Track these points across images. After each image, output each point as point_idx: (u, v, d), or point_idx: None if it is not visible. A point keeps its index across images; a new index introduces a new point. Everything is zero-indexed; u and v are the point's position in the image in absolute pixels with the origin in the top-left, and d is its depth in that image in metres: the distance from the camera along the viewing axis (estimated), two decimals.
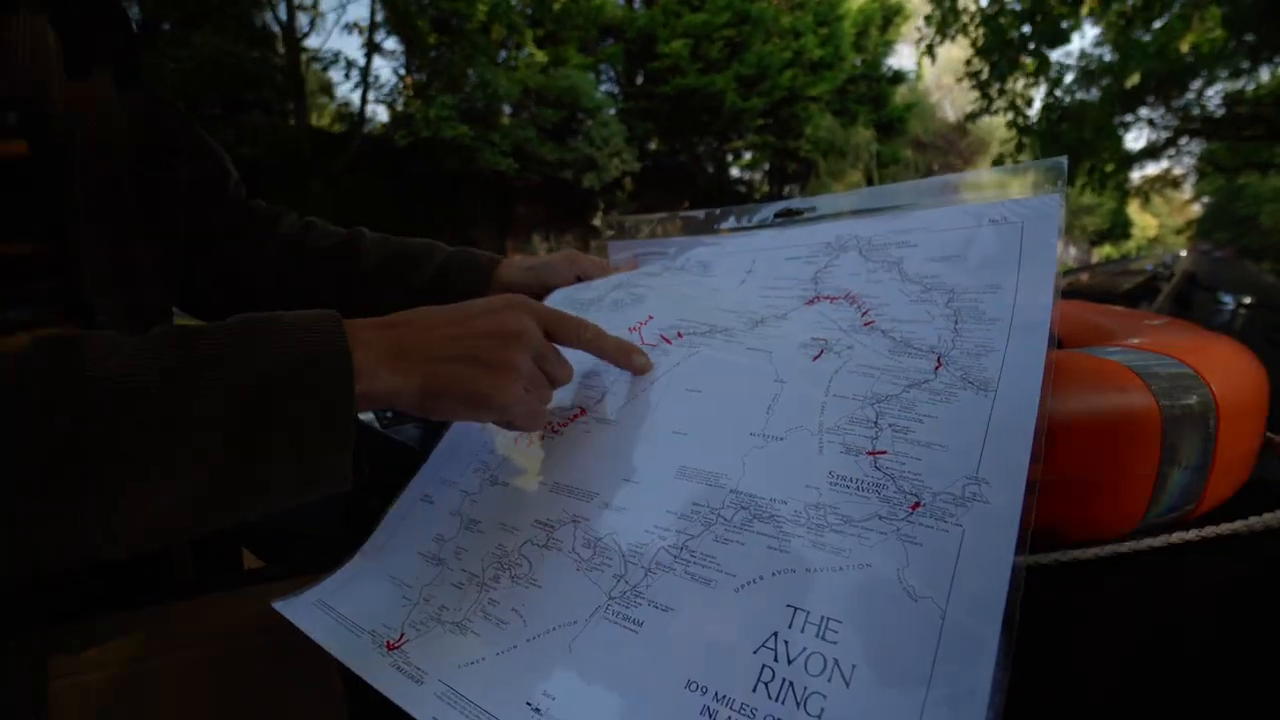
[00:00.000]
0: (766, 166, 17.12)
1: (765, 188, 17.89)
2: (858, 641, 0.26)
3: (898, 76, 17.81)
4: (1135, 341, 0.42)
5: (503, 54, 12.75)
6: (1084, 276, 3.91)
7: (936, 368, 0.33)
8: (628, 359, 0.41)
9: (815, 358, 0.37)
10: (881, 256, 0.41)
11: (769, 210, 0.49)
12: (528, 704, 0.29)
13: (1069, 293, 2.77)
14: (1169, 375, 0.35)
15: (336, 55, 12.18)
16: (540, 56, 12.81)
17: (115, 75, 0.43)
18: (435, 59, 12.03)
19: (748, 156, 16.02)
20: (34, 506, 0.25)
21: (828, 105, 15.45)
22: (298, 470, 0.30)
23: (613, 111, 14.41)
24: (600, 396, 0.43)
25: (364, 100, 12.86)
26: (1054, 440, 0.30)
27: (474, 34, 11.43)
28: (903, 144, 18.17)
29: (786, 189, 17.65)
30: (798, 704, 0.25)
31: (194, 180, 0.52)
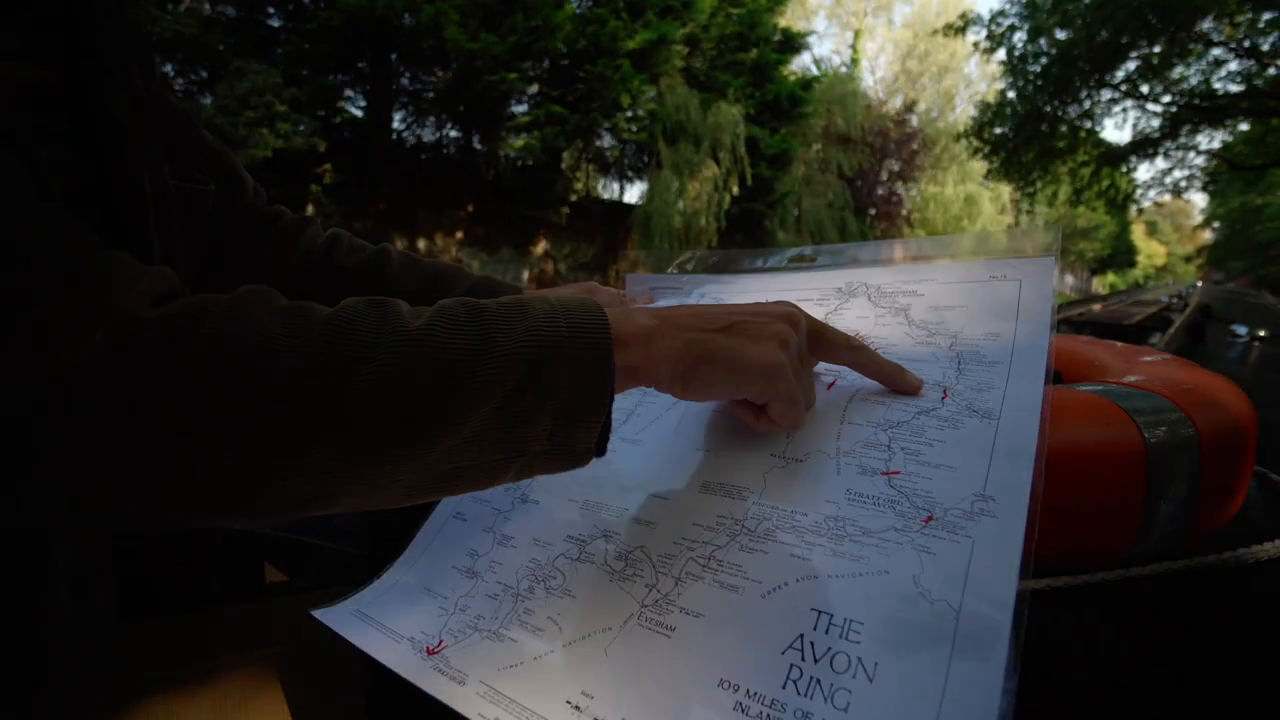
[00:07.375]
0: (619, 155, 11.47)
1: (584, 183, 11.79)
2: (879, 641, 0.28)
3: (790, 40, 12.04)
4: (1129, 379, 0.44)
5: None
6: (1097, 307, 3.89)
7: (943, 398, 0.36)
8: (902, 380, 0.37)
9: (829, 386, 0.40)
10: (889, 303, 0.44)
11: (784, 255, 0.52)
12: (567, 702, 0.31)
13: (1080, 324, 2.76)
14: (1155, 411, 0.37)
15: None
16: None
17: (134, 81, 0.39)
18: None
19: (524, 138, 10.32)
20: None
21: (686, 73, 10.67)
22: (549, 438, 0.30)
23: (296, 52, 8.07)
24: (625, 418, 0.45)
25: None
26: (1044, 471, 0.32)
27: None
28: (804, 133, 13.19)
29: (603, 184, 12.47)
30: (825, 698, 0.27)
31: (212, 187, 0.48)
